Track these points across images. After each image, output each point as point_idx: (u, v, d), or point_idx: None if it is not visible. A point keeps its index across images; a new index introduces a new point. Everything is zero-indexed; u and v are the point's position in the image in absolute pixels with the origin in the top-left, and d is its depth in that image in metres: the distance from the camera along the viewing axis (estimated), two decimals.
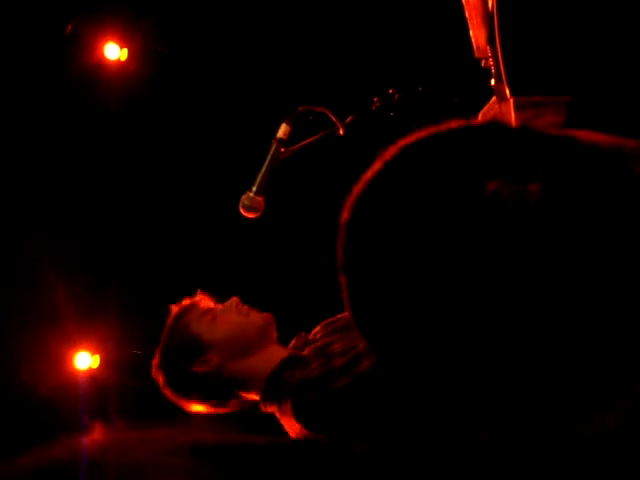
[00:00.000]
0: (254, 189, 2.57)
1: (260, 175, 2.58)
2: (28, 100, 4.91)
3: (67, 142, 5.01)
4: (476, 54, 2.61)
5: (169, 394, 2.55)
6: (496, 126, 0.94)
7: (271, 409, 2.41)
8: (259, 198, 2.57)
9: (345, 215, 0.95)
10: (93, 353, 5.02)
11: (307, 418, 2.26)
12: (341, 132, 2.65)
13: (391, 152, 0.95)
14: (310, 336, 2.57)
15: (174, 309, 2.59)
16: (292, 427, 2.31)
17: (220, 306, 2.56)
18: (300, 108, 2.65)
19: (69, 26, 4.89)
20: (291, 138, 2.65)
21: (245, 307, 2.53)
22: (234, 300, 2.55)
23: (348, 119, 2.67)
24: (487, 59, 2.50)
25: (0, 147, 4.92)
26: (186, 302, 2.61)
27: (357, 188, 0.95)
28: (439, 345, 0.87)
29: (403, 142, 0.96)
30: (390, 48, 4.53)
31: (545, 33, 1.77)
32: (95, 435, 4.96)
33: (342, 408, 2.21)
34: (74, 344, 4.98)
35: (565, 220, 0.86)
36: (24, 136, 4.95)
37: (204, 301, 2.61)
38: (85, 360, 5.00)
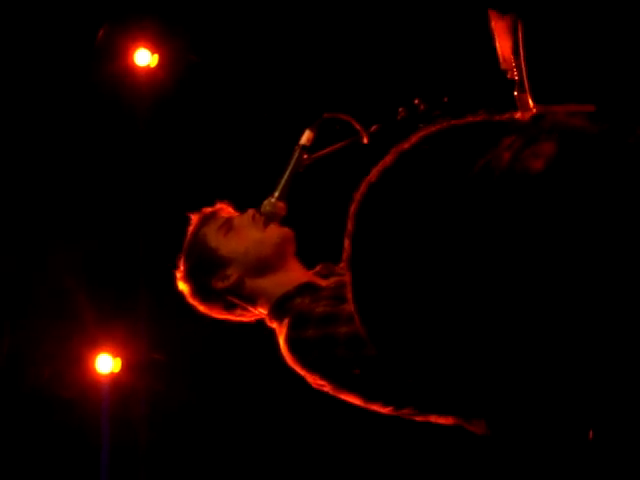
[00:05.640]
0: (276, 194, 2.56)
1: (282, 181, 2.58)
2: (57, 104, 4.94)
3: (95, 147, 5.04)
4: (502, 66, 2.60)
5: (196, 304, 2.55)
6: (513, 118, 0.92)
7: (273, 325, 2.39)
8: (280, 204, 2.55)
9: (355, 205, 0.92)
10: (115, 356, 5.02)
11: (297, 350, 2.24)
12: (365, 141, 2.64)
13: (407, 143, 0.93)
14: (337, 268, 2.53)
15: (194, 218, 2.57)
16: (283, 348, 2.28)
17: (238, 217, 2.54)
18: (325, 115, 2.65)
19: (100, 31, 4.92)
20: (315, 145, 2.64)
21: (262, 219, 2.50)
22: (250, 212, 2.53)
23: (373, 128, 2.66)
24: (512, 70, 2.49)
25: (29, 152, 4.96)
26: (206, 211, 2.58)
27: (370, 176, 0.93)
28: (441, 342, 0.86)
29: (419, 134, 0.94)
30: (417, 58, 4.52)
31: (569, 43, 1.77)
32: None
33: (333, 355, 2.17)
34: (96, 346, 4.98)
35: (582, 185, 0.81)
36: (52, 140, 4.99)
37: (224, 210, 2.58)
38: (107, 363, 5.00)
